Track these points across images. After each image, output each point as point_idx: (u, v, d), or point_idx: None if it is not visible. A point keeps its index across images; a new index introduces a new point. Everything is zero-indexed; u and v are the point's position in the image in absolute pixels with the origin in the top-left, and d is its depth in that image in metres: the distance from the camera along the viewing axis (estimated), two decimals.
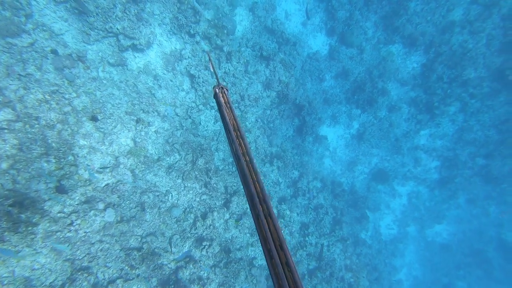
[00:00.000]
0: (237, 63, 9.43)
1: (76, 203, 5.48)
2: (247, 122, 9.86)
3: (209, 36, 8.73)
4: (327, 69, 13.06)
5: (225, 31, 8.96)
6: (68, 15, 7.05)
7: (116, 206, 6.20)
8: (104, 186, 6.15)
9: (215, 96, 1.43)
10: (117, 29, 7.45)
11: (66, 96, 6.13)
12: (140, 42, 7.75)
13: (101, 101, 6.56)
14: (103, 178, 6.19)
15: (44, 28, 6.60)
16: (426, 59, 11.31)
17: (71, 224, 5.20)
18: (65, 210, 5.25)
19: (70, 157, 5.71)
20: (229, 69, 9.18)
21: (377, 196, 13.12)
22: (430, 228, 13.15)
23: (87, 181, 5.93)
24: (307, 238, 9.76)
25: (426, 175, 12.65)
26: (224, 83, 9.35)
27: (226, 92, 1.45)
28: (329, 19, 12.66)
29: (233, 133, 1.27)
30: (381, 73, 12.01)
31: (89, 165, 6.01)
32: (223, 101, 1.42)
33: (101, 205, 5.84)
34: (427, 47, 11.06)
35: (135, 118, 6.91)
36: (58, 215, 5.11)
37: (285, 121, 11.87)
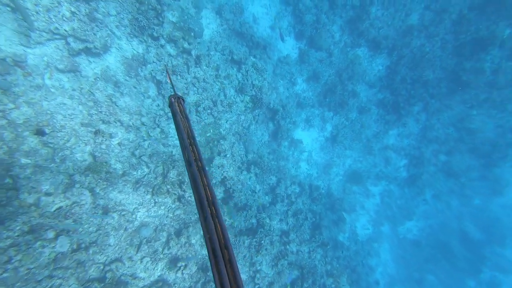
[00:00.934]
0: (207, 67, 8.99)
1: (16, 234, 4.57)
2: (221, 129, 9.41)
3: (175, 39, 8.20)
4: (298, 73, 13.16)
5: (192, 34, 8.50)
6: (0, 12, 6.07)
7: (71, 232, 5.34)
8: (54, 211, 5.26)
9: (171, 105, 1.49)
10: (65, 30, 6.60)
11: (0, 108, 5.19)
12: (95, 46, 6.96)
13: (49, 112, 5.68)
14: (53, 201, 5.30)
15: None
16: (390, 62, 11.89)
17: (8, 261, 4.29)
18: (1, 244, 4.33)
19: (8, 180, 4.79)
20: (199, 74, 8.70)
21: (352, 197, 13.38)
22: (402, 225, 13.70)
23: (32, 206, 5.02)
24: (288, 246, 9.49)
25: (396, 173, 13.21)
26: (194, 89, 8.84)
27: (182, 102, 1.52)
28: (297, 22, 12.81)
29: (186, 141, 1.33)
30: (350, 76, 12.38)
31: (34, 187, 5.10)
32: (178, 110, 1.47)
33: (51, 234, 4.96)
34: (390, 50, 11.64)
35: (93, 130, 6.11)
36: None
37: (260, 126, 11.62)
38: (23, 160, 5.06)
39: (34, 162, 5.20)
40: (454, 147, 11.98)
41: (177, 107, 1.48)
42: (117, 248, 5.93)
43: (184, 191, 7.20)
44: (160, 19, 8.03)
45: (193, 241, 7.09)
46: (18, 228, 4.57)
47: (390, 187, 13.48)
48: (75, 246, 5.32)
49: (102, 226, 5.90)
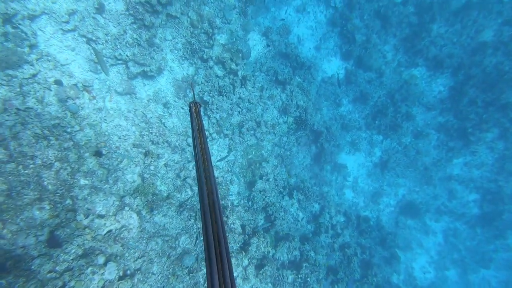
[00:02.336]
0: (252, 87, 8.99)
1: (71, 258, 4.66)
2: (263, 151, 9.20)
3: (223, 61, 8.38)
4: (343, 94, 12.63)
5: (240, 55, 8.63)
6: (76, 43, 6.75)
7: (119, 258, 5.36)
8: (105, 234, 5.36)
9: (190, 109, 1.68)
10: (127, 56, 7.11)
11: (68, 130, 5.57)
12: (151, 69, 7.37)
13: (106, 133, 5.99)
14: (104, 223, 5.42)
15: (49, 58, 6.24)
16: (454, 82, 10.81)
17: (63, 287, 4.34)
18: (58, 268, 4.43)
19: (68, 201, 5.01)
20: (243, 94, 8.72)
21: (407, 232, 11.97)
22: (475, 273, 11.72)
23: (86, 229, 5.16)
24: (336, 287, 8.59)
25: (464, 209, 11.55)
26: (239, 109, 8.82)
27: (198, 107, 1.71)
28: (344, 43, 12.47)
29: (197, 138, 1.49)
30: (404, 97, 11.50)
31: (89, 209, 5.28)
32: (194, 114, 1.66)
33: (101, 259, 5.01)
34: (455, 70, 10.61)
35: (144, 151, 6.28)
36: (48, 275, 4.28)
37: (302, 148, 11.20)
38: (82, 181, 5.29)
39: (91, 183, 5.42)
40: None
41: (193, 112, 1.69)
42: (160, 277, 5.81)
43: (227, 217, 6.98)
44: (211, 42, 8.31)
45: (234, 274, 6.72)
46: (73, 251, 4.68)
47: (455, 225, 11.80)
48: (121, 273, 5.30)
49: (147, 252, 5.86)
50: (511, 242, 10.91)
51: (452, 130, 11.06)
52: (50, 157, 5.33)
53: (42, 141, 5.38)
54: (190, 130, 7.79)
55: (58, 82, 6.37)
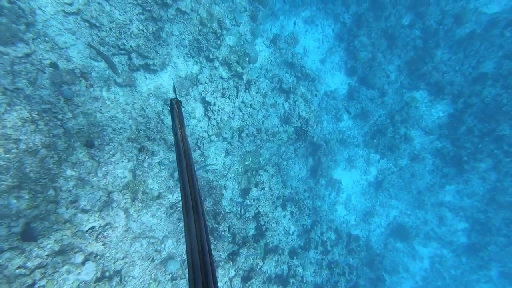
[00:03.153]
0: (256, 93, 8.88)
1: (46, 253, 4.30)
2: (260, 158, 9.03)
3: (230, 63, 8.26)
4: (344, 109, 12.70)
5: (247, 59, 8.54)
6: (77, 28, 6.50)
7: (98, 257, 5.01)
8: (87, 231, 5.02)
9: (171, 105, 1.71)
10: (131, 46, 6.89)
11: (59, 117, 5.28)
12: (155, 63, 7.16)
13: (101, 124, 5.71)
14: (87, 219, 5.08)
15: (46, 39, 5.96)
16: (453, 109, 11.01)
17: (31, 285, 3.98)
18: (29, 264, 4.06)
19: (51, 192, 4.67)
20: (247, 99, 8.59)
21: (395, 255, 11.90)
22: None
23: (67, 223, 4.82)
24: None
25: (452, 237, 11.61)
26: (240, 114, 8.65)
27: (180, 104, 1.75)
28: (350, 58, 12.61)
29: (178, 134, 1.47)
30: (404, 119, 11.63)
31: (73, 202, 4.94)
32: (176, 111, 1.69)
33: (79, 258, 4.66)
34: (455, 97, 10.82)
35: (138, 146, 6.01)
36: (17, 271, 3.91)
37: (299, 160, 11.09)
38: (69, 172, 4.97)
39: (78, 174, 5.10)
40: None
41: (175, 108, 1.73)
42: (140, 281, 5.46)
43: (218, 223, 6.72)
44: (219, 42, 8.20)
45: (219, 284, 6.42)
46: (49, 247, 4.33)
47: (443, 252, 11.82)
48: (99, 274, 4.95)
49: (130, 254, 5.52)
50: (494, 274, 10.96)
51: (447, 157, 11.20)
52: (36, 143, 5.01)
53: (29, 125, 5.06)
54: (188, 129, 7.55)
55: (54, 65, 6.08)
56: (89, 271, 4.71)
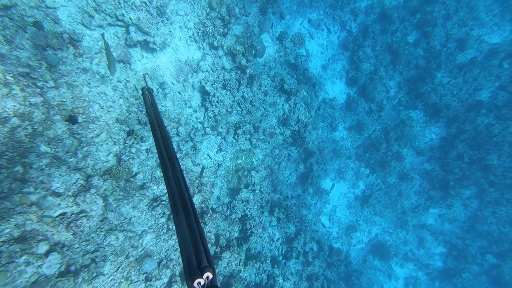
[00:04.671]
0: (258, 90, 8.61)
1: (2, 239, 3.75)
2: (254, 159, 8.75)
3: (235, 53, 7.92)
4: (341, 119, 12.74)
5: (253, 52, 8.25)
6: None
7: (66, 249, 4.48)
8: (57, 217, 4.47)
9: (143, 93, 2.00)
10: (130, 18, 6.37)
11: (39, 84, 4.70)
12: (155, 41, 6.68)
13: (87, 99, 5.17)
14: (59, 204, 4.53)
15: None
16: (446, 133, 11.36)
17: None
18: None
19: (18, 168, 4.10)
20: (247, 94, 8.29)
21: (372, 273, 12.04)
22: None
23: (33, 206, 4.26)
24: None
25: (429, 260, 11.94)
26: (239, 109, 8.34)
27: (151, 92, 2.04)
28: (352, 68, 12.69)
29: (154, 122, 1.67)
30: (399, 136, 11.84)
31: (44, 182, 4.39)
32: (149, 98, 1.95)
33: (43, 247, 4.12)
34: (450, 121, 11.17)
35: (127, 129, 5.52)
36: None
37: (290, 165, 10.93)
38: (43, 148, 4.41)
39: (54, 152, 4.55)
40: (509, 251, 10.79)
41: (147, 96, 1.89)
42: (109, 279, 4.97)
43: (204, 223, 6.34)
44: (225, 30, 7.85)
45: None
46: (7, 231, 3.77)
47: (418, 274, 12.12)
48: (63, 268, 4.42)
49: (102, 247, 5.02)
50: None
51: (435, 180, 11.53)
52: (7, 110, 4.41)
53: (1, 87, 4.46)
54: (182, 118, 7.13)
55: (37, 25, 5.46)
56: (52, 264, 4.18)
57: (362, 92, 12.45)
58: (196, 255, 1.13)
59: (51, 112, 4.58)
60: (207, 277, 1.10)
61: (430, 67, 11.39)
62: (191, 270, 1.09)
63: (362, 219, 12.50)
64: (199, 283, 1.08)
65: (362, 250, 12.49)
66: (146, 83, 2.17)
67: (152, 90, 1.89)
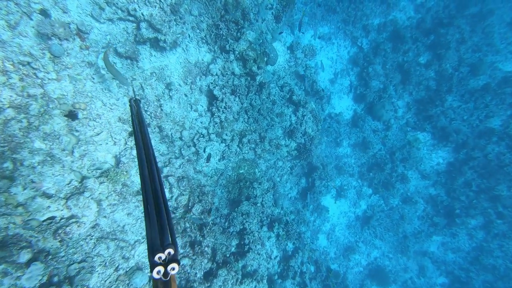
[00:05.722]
0: (267, 98, 8.43)
1: None
2: (256, 170, 8.48)
3: (246, 59, 7.76)
4: (346, 135, 12.62)
5: (266, 59, 8.10)
6: None
7: (50, 258, 4.12)
8: (44, 221, 4.13)
9: (130, 104, 2.11)
10: (142, 14, 6.19)
11: (40, 75, 4.43)
12: (166, 39, 6.48)
13: (90, 94, 4.90)
14: (48, 206, 4.19)
15: None
16: (454, 159, 11.27)
17: None
18: None
19: (8, 164, 3.79)
20: (256, 102, 8.10)
21: None
22: None
23: (19, 207, 3.92)
24: None
25: None
26: (245, 117, 8.11)
27: (138, 103, 2.13)
28: (361, 85, 12.65)
29: (136, 127, 1.85)
30: (405, 158, 11.72)
31: (34, 182, 4.06)
32: (135, 108, 2.05)
33: (25, 256, 3.75)
34: (458, 146, 11.10)
35: (130, 130, 5.24)
36: None
37: (292, 178, 10.68)
38: (38, 144, 4.10)
39: (49, 149, 4.24)
40: None
41: (134, 107, 2.03)
42: None
43: (203, 236, 6.00)
44: (239, 34, 7.72)
45: None
46: None
47: None
48: (45, 280, 4.04)
49: (90, 257, 4.65)
50: None
51: (440, 206, 11.36)
52: (2, 100, 4.12)
53: None
54: (187, 122, 6.87)
55: (45, 13, 5.24)
56: (33, 275, 3.80)
57: (370, 110, 12.38)
58: (161, 236, 1.23)
59: (50, 106, 4.30)
60: (169, 253, 1.19)
61: (440, 90, 11.40)
62: (154, 246, 1.18)
63: (361, 240, 12.21)
64: (160, 257, 1.16)
65: (359, 274, 12.14)
66: (134, 94, 2.43)
67: (140, 101, 2.02)
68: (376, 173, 12.05)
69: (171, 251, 1.20)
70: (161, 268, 1.13)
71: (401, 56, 12.14)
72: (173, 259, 1.18)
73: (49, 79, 4.47)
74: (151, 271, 1.12)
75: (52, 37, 5.04)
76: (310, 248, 10.62)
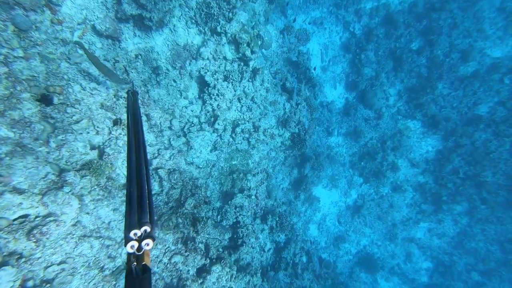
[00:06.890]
0: (260, 85, 8.05)
1: None
2: (250, 161, 8.17)
3: (239, 42, 7.29)
4: (337, 124, 12.53)
5: (260, 43, 7.68)
6: None
7: (23, 261, 3.66)
8: (16, 220, 3.64)
9: (128, 95, 2.09)
10: None
11: (3, 51, 3.82)
12: (152, 17, 5.89)
13: (66, 77, 4.33)
14: (20, 203, 3.70)
15: None
16: (443, 146, 11.47)
17: None
18: None
19: None
20: (249, 89, 7.70)
21: (357, 286, 11.91)
22: None
23: None
24: None
25: (415, 275, 12.02)
26: (238, 105, 7.72)
27: (136, 95, 2.08)
28: (353, 72, 12.50)
29: (130, 121, 1.79)
30: (396, 146, 11.80)
31: (2, 176, 3.54)
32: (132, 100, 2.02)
33: None
34: (447, 134, 11.28)
35: (114, 118, 4.73)
36: None
37: (284, 169, 10.49)
38: (4, 132, 3.56)
39: (19, 138, 3.70)
40: (494, 270, 11.06)
41: (130, 99, 2.03)
42: None
43: (196, 232, 5.68)
44: (231, 15, 7.20)
45: None
46: None
47: None
48: (17, 285, 3.60)
49: (72, 258, 4.22)
50: None
51: (428, 194, 11.62)
52: None
53: None
54: (177, 110, 6.40)
55: None
56: (2, 282, 3.36)
57: (362, 98, 12.29)
58: (139, 214, 1.26)
59: (18, 88, 3.72)
60: (145, 230, 1.22)
61: (432, 77, 11.44)
62: (131, 223, 1.21)
63: (352, 229, 12.34)
64: (135, 233, 1.19)
65: (349, 262, 12.33)
66: (133, 86, 2.43)
67: (138, 92, 1.98)
68: (367, 162, 12.09)
69: (148, 228, 1.23)
70: (135, 243, 1.16)
71: (394, 42, 12.02)
72: (148, 235, 1.21)
73: (14, 56, 3.87)
74: (125, 245, 1.15)
75: (14, 6, 4.37)
76: (302, 239, 10.59)
